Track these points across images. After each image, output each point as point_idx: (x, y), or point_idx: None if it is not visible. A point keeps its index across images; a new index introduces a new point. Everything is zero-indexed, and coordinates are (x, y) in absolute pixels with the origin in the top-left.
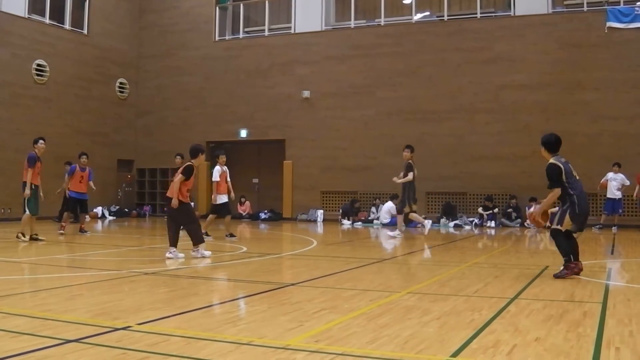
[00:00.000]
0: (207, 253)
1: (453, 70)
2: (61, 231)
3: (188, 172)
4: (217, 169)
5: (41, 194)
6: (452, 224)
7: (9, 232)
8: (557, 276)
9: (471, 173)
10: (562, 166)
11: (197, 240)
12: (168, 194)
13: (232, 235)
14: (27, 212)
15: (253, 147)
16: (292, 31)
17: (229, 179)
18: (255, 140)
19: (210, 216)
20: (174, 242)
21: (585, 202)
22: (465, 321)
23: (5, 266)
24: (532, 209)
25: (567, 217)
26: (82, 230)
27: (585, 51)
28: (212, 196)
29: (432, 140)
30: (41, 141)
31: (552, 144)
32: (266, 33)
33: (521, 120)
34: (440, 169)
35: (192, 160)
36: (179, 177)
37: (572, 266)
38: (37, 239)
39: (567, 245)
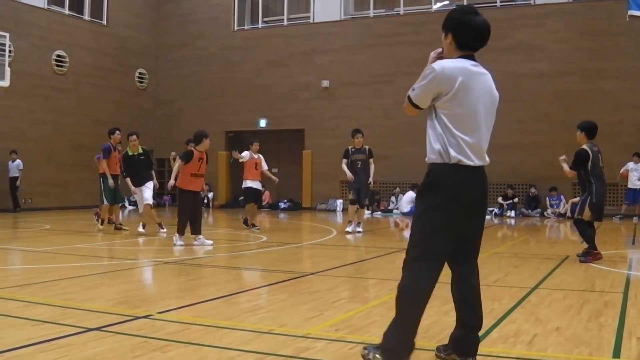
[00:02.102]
0: (179, 243)
1: None
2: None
3: (186, 156)
4: (245, 153)
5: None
6: None
7: (30, 222)
8: (581, 261)
9: (490, 162)
10: (590, 154)
11: (178, 229)
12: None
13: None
14: (105, 202)
15: (272, 137)
16: (311, 21)
17: (264, 168)
18: (274, 129)
19: (247, 205)
20: (195, 230)
21: (602, 191)
22: (486, 310)
23: (27, 255)
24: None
25: (587, 207)
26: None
27: (606, 40)
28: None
29: None
30: (117, 132)
31: (591, 129)
32: (285, 23)
33: (541, 109)
34: None
35: (196, 146)
36: (178, 161)
37: (595, 252)
38: (121, 229)
39: (591, 232)
